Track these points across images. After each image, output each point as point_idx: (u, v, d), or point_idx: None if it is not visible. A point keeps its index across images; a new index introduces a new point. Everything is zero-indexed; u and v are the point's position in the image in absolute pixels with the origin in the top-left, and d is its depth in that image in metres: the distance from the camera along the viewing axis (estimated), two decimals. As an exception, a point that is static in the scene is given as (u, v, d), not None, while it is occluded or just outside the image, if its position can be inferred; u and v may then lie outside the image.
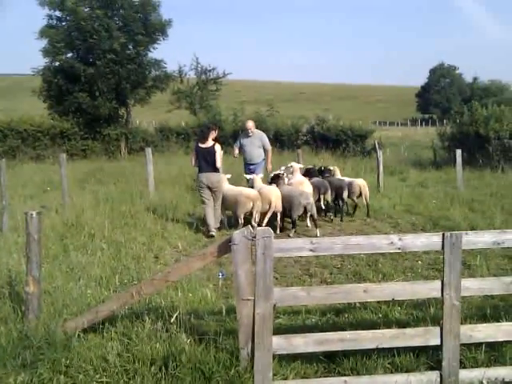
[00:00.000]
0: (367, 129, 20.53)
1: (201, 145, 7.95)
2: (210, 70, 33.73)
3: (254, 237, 3.16)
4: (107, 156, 19.16)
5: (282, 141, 19.58)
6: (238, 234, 3.22)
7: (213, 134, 8.02)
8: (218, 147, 7.89)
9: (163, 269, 5.40)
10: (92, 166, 15.92)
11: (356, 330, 3.49)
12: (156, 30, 21.04)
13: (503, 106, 16.97)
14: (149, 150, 10.88)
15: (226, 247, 3.34)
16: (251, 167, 9.26)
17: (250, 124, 9.37)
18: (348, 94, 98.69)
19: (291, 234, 7.64)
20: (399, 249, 3.33)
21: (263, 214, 7.84)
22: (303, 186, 8.37)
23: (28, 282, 3.91)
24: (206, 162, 7.82)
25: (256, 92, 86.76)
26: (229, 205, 7.98)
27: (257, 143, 9.27)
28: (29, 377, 3.27)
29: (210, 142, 7.91)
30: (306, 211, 7.79)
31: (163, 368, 3.31)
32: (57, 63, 20.19)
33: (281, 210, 7.87)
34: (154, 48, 21.47)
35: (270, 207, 7.75)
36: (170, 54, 29.74)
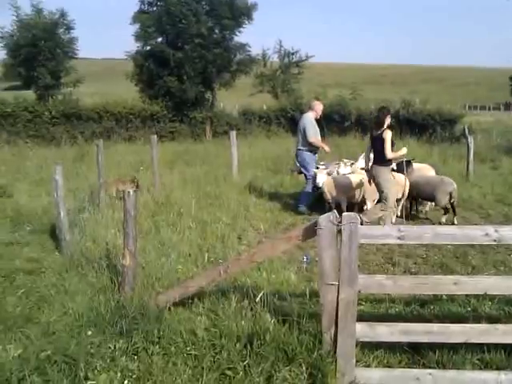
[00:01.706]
0: (456, 113, 19.30)
1: (374, 132, 6.95)
2: (292, 53, 33.51)
3: (340, 222, 3.16)
4: (193, 138, 19.75)
5: (365, 125, 19.06)
6: (323, 219, 3.21)
7: (388, 120, 6.82)
8: (387, 134, 6.71)
9: (247, 249, 5.61)
10: (179, 147, 16.54)
11: (443, 322, 3.38)
12: (242, 13, 21.15)
13: None
14: (233, 133, 11.11)
15: (311, 231, 3.35)
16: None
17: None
18: (433, 76, 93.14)
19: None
20: (495, 241, 3.15)
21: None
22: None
23: (125, 255, 4.21)
24: (374, 151, 6.93)
25: (337, 75, 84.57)
26: None
27: None
28: (125, 344, 3.52)
29: (382, 129, 6.77)
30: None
31: (248, 345, 3.43)
32: (148, 48, 20.97)
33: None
34: (239, 32, 21.64)
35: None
36: (255, 37, 29.93)
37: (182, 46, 20.28)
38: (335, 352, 3.20)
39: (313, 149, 8.43)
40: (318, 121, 8.51)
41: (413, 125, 18.50)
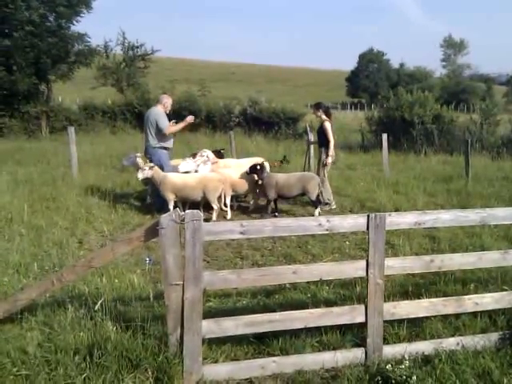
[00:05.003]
0: (299, 112, 20.74)
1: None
2: (137, 47, 32.41)
3: (183, 220, 3.07)
4: (27, 135, 17.96)
5: (214, 122, 19.37)
6: (165, 218, 3.10)
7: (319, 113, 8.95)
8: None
9: (87, 254, 5.19)
10: (10, 145, 14.89)
11: (286, 310, 3.52)
12: (79, 1, 19.84)
13: (427, 92, 17.82)
14: (71, 130, 10.31)
15: (153, 231, 3.22)
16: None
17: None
18: (279, 77, 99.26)
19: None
20: (327, 230, 3.38)
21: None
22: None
23: None
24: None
25: (186, 71, 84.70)
26: None
27: None
28: None
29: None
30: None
31: (87, 357, 3.16)
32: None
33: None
34: (77, 21, 20.34)
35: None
36: (95, 28, 28.29)
37: (10, 33, 18.22)
38: (182, 353, 3.12)
39: (167, 146, 8.08)
40: (167, 117, 8.20)
41: (260, 122, 19.37)
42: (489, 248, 5.66)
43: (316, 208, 7.89)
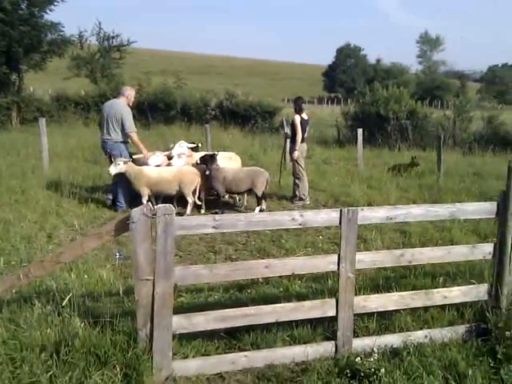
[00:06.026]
0: (276, 105, 20.73)
1: (304, 116, 8.64)
2: (113, 37, 31.78)
3: (155, 214, 3.03)
4: (-4, 126, 17.45)
5: (190, 114, 19.18)
6: (136, 212, 3.05)
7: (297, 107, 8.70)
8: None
9: (56, 249, 5.08)
10: (-22, 136, 14.44)
11: (258, 305, 3.52)
12: (52, -11, 19.32)
13: (402, 88, 18.04)
14: (42, 121, 10.06)
15: (124, 225, 3.16)
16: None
17: None
18: (258, 70, 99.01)
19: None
20: (300, 224, 3.38)
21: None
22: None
23: None
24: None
25: (163, 62, 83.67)
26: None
27: None
28: None
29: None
30: None
31: (54, 354, 3.09)
32: None
33: None
34: (50, 10, 19.73)
35: None
36: (70, 17, 27.67)
37: (-22, 20, 17.63)
38: (151, 349, 3.08)
39: (128, 140, 7.73)
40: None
41: (236, 116, 19.27)
42: (458, 242, 5.78)
43: (258, 205, 7.61)
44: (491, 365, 3.30)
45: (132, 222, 3.05)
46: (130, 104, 7.82)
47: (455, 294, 3.78)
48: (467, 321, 3.84)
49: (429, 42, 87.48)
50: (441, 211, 3.69)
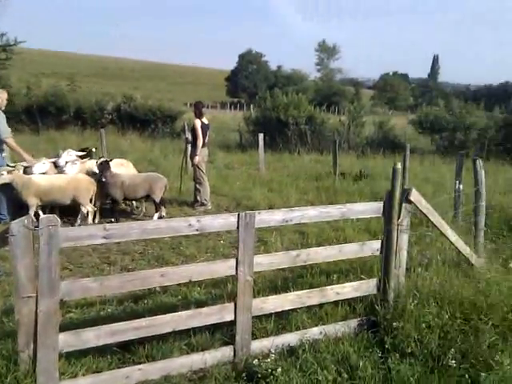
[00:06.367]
0: (177, 110, 20.44)
1: (204, 121, 8.58)
2: (-2, 36, 29.34)
3: (37, 226, 2.80)
4: None
5: (84, 119, 18.22)
6: (16, 224, 2.80)
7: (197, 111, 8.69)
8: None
9: None
10: None
11: (155, 315, 3.39)
12: None
13: (301, 94, 18.78)
14: None
15: (3, 239, 2.90)
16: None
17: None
18: (158, 74, 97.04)
19: None
20: (197, 230, 3.33)
21: None
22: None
23: None
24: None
25: (54, 64, 78.76)
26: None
27: None
28: None
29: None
30: None
31: None
32: None
33: None
34: None
35: None
36: None
37: None
38: (35, 370, 2.84)
39: (4, 147, 7.03)
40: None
41: (135, 120, 18.68)
42: (351, 241, 6.08)
43: (157, 212, 7.47)
44: (379, 355, 3.49)
45: (11, 236, 2.80)
46: (3, 108, 7.11)
47: (347, 289, 3.96)
48: (359, 315, 4.03)
49: (326, 51, 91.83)
50: (333, 212, 3.86)
